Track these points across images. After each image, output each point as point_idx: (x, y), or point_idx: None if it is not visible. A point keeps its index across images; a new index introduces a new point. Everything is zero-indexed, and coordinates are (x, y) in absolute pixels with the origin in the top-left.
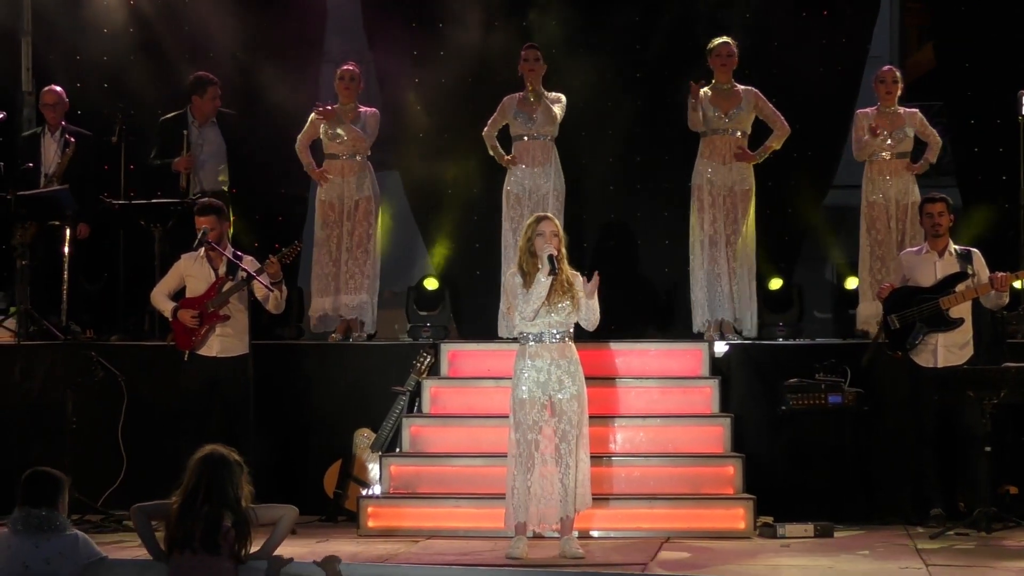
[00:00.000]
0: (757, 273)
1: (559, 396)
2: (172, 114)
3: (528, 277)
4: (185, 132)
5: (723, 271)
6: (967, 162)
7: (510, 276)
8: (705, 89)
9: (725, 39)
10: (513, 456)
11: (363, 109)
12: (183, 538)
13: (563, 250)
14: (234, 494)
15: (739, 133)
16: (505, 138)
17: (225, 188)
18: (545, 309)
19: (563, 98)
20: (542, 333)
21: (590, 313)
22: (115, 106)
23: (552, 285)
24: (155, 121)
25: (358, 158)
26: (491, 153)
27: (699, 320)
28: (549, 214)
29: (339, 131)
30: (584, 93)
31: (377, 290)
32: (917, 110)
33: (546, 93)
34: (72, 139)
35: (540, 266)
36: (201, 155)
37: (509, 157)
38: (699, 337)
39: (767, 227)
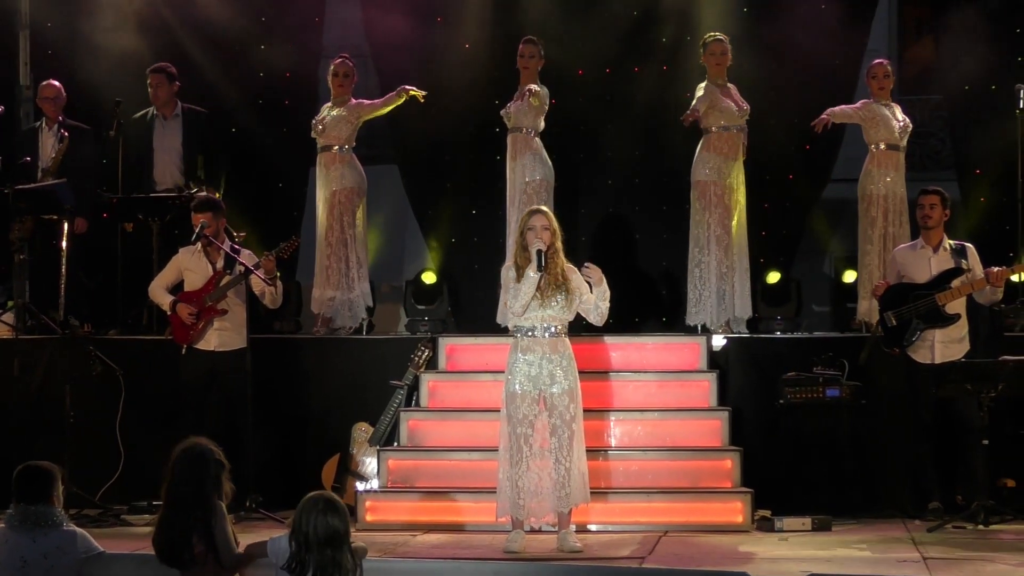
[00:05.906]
0: (753, 267)
1: (551, 390)
2: (142, 112)
3: (521, 271)
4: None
5: (725, 267)
6: (965, 156)
7: (505, 271)
8: (703, 85)
9: (717, 36)
10: (503, 449)
11: (353, 102)
12: (167, 554)
13: (558, 244)
14: (207, 502)
15: (735, 129)
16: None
17: (185, 184)
18: (538, 303)
19: (536, 89)
20: (535, 327)
21: (600, 301)
22: (113, 100)
23: (545, 279)
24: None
25: (346, 147)
26: None
27: (695, 315)
28: (543, 208)
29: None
30: (584, 84)
31: (366, 280)
32: (897, 105)
33: (530, 87)
34: (65, 133)
35: (530, 261)
36: (161, 150)
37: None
38: (695, 331)
39: (766, 221)
